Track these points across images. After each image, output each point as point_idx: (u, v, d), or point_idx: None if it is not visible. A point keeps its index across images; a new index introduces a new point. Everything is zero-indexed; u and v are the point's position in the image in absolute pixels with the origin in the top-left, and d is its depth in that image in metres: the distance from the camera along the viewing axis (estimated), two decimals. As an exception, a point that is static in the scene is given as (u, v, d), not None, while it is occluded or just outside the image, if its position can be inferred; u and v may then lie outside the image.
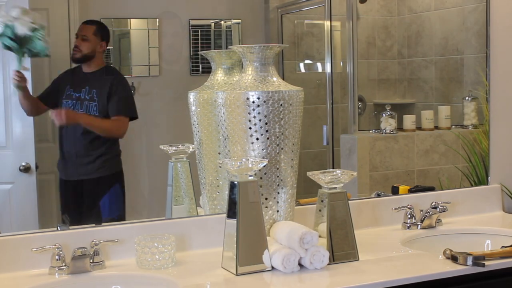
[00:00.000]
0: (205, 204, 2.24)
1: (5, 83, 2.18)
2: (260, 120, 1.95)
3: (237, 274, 1.84)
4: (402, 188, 2.60)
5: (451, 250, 1.98)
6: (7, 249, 1.91)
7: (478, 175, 2.76)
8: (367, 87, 2.88)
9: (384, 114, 2.80)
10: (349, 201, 2.04)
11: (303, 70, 2.82)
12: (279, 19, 2.69)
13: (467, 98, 2.91)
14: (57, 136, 2.31)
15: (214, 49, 2.46)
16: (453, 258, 1.95)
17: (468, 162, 2.79)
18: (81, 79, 2.32)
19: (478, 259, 1.92)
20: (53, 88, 2.28)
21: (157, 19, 2.42)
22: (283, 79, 2.13)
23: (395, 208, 2.39)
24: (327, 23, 2.65)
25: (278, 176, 1.99)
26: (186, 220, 2.15)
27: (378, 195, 2.55)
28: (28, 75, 2.19)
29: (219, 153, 2.17)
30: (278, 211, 2.02)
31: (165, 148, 2.26)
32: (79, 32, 2.29)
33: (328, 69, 2.68)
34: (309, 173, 2.01)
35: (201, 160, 2.22)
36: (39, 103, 2.26)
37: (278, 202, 2.01)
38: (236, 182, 1.85)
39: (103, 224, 2.11)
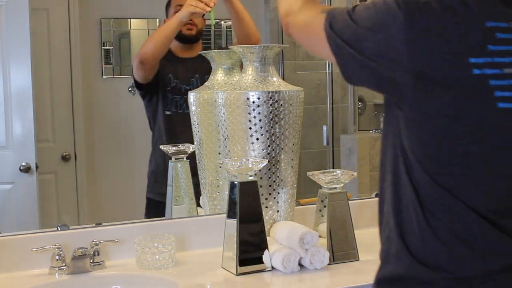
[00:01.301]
0: (205, 204, 2.24)
1: (5, 83, 2.18)
2: (260, 120, 1.95)
3: (237, 274, 1.84)
4: (402, 188, 2.59)
5: (451, 250, 1.97)
6: (7, 249, 1.91)
7: (478, 175, 2.76)
8: (367, 87, 2.88)
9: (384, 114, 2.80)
10: (349, 201, 2.04)
11: (303, 70, 2.83)
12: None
13: (467, 98, 2.90)
14: (56, 137, 2.30)
15: (214, 49, 2.46)
16: (453, 258, 1.94)
17: (468, 162, 2.79)
18: (186, 68, 2.11)
19: (478, 259, 1.91)
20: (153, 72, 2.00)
21: (157, 19, 2.43)
22: (283, 79, 2.13)
23: (395, 208, 2.39)
24: (327, 23, 2.65)
25: (278, 176, 1.99)
26: (186, 220, 2.15)
27: (378, 195, 2.54)
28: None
29: (219, 153, 2.17)
30: (278, 211, 2.02)
31: (165, 148, 2.26)
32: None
33: (328, 69, 2.68)
34: (309, 173, 2.01)
35: (201, 160, 2.22)
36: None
37: (278, 202, 2.01)
38: (236, 182, 1.85)
39: (103, 224, 2.11)
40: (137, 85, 2.25)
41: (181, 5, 2.10)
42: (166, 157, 2.24)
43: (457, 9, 1.13)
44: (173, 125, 2.25)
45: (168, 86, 2.10)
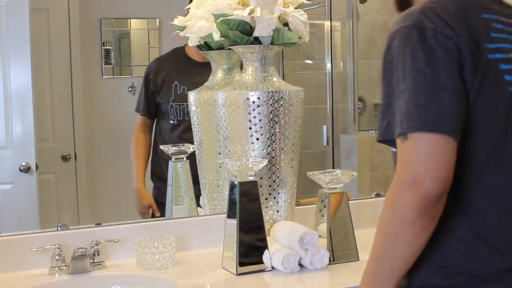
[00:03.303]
0: (205, 204, 2.24)
1: (5, 83, 2.18)
2: (260, 120, 1.95)
3: (237, 274, 1.84)
4: (402, 188, 2.59)
5: (451, 250, 1.97)
6: (7, 249, 1.91)
7: (479, 175, 2.75)
8: (367, 87, 2.88)
9: (384, 114, 2.80)
10: (349, 201, 2.04)
11: (303, 70, 2.83)
12: (279, 19, 2.68)
13: (467, 98, 2.90)
14: (56, 137, 2.30)
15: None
16: (453, 258, 1.94)
17: (468, 162, 2.79)
18: (198, 72, 2.07)
19: (478, 259, 1.91)
20: (154, 86, 1.98)
21: (157, 19, 2.43)
22: (283, 79, 2.13)
23: (395, 208, 2.39)
24: (327, 23, 2.65)
25: (278, 176, 1.99)
26: (186, 220, 2.15)
27: (378, 195, 2.54)
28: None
29: (219, 153, 2.17)
30: (278, 211, 2.02)
31: (165, 148, 2.26)
32: None
33: (328, 69, 2.68)
34: (309, 173, 2.01)
35: (201, 160, 2.22)
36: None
37: (278, 202, 2.01)
38: (236, 182, 1.85)
39: (103, 224, 2.11)
40: None
41: None
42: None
43: (461, 2, 1.23)
44: (181, 134, 2.22)
45: (172, 96, 2.09)
